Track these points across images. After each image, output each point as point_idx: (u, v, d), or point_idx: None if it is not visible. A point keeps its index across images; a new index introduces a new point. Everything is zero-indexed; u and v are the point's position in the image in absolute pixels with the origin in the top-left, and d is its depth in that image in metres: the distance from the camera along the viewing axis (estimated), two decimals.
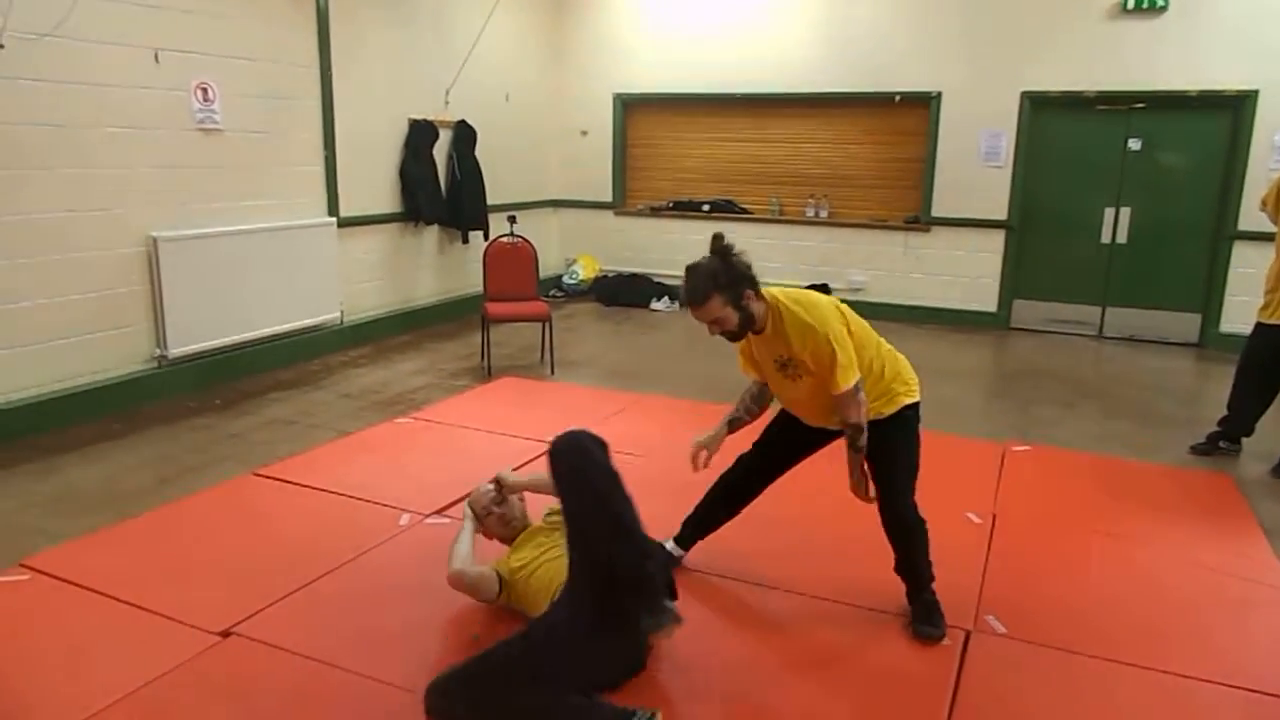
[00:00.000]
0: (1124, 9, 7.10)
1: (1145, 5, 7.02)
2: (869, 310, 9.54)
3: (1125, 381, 6.31)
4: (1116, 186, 7.51)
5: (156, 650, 2.65)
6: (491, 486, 3.02)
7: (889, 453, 2.86)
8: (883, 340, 2.96)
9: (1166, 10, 6.98)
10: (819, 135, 8.47)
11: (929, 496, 3.92)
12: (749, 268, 2.75)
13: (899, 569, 2.93)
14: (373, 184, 6.96)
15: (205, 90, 5.43)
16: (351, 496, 3.80)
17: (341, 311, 6.62)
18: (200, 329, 5.48)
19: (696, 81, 8.62)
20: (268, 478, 4.02)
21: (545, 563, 2.78)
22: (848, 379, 2.65)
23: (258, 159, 5.87)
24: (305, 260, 6.21)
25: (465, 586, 2.86)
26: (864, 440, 2.74)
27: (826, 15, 8.06)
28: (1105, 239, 7.59)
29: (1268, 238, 7.11)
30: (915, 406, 2.90)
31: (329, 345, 6.52)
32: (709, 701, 2.47)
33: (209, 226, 5.50)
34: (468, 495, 3.14)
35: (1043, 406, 5.56)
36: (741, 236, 8.84)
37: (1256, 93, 6.89)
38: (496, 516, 3.02)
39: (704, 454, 3.01)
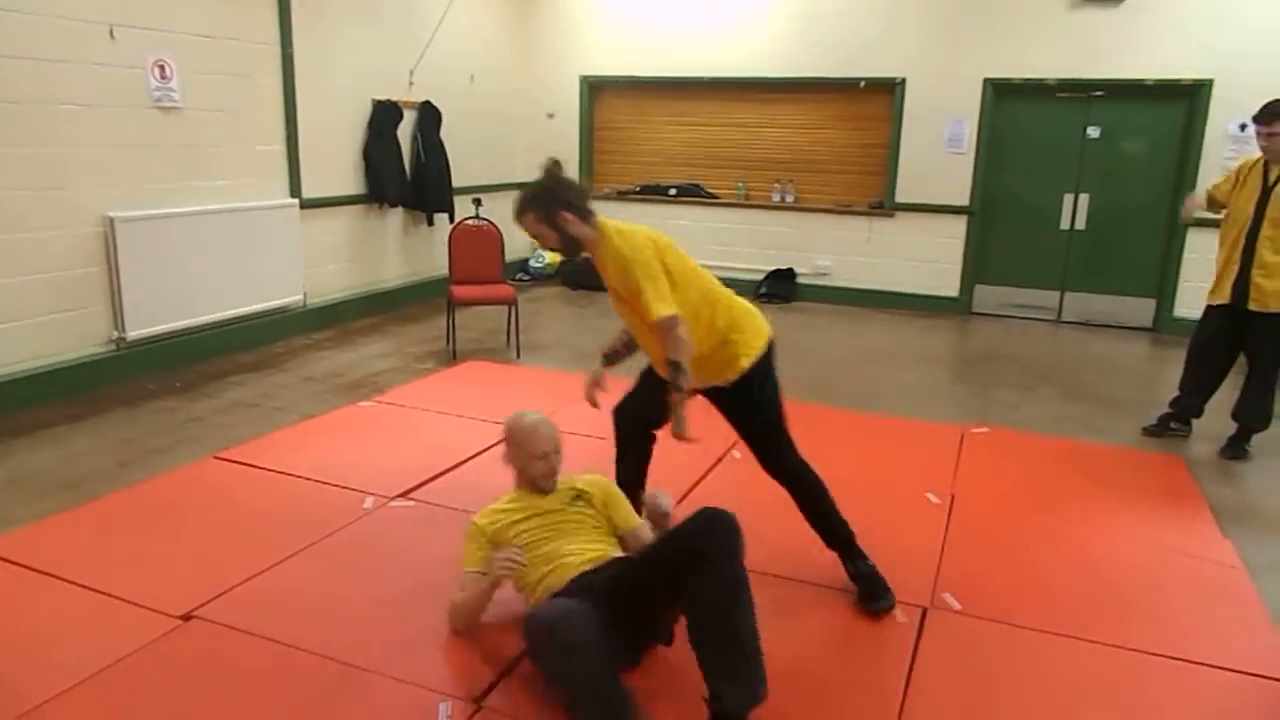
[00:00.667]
0: None
1: None
2: (834, 295, 9.54)
3: (1082, 365, 6.44)
4: (1076, 173, 7.63)
5: (116, 635, 2.63)
6: (519, 557, 2.54)
7: (745, 420, 2.94)
8: (723, 289, 2.93)
9: (1125, 1, 7.09)
10: (785, 120, 8.50)
11: (891, 478, 4.02)
12: (577, 194, 2.83)
13: (821, 533, 3.00)
14: (336, 165, 6.87)
15: (163, 68, 5.32)
16: (314, 480, 3.78)
17: (304, 294, 6.55)
18: (159, 311, 5.39)
19: (664, 65, 8.60)
20: (229, 461, 3.99)
21: (560, 566, 2.57)
22: (658, 310, 2.59)
23: (217, 139, 5.77)
24: (267, 242, 6.13)
25: (463, 615, 2.65)
26: (684, 381, 2.65)
27: (793, 1, 8.08)
28: (1064, 225, 7.72)
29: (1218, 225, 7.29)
30: (761, 363, 2.87)
31: (292, 328, 6.45)
32: (658, 678, 2.48)
33: (167, 207, 5.41)
34: (436, 475, 3.12)
35: (1002, 390, 5.67)
36: (708, 221, 8.96)
37: (1211, 82, 7.03)
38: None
39: (595, 391, 3.09)
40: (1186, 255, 7.34)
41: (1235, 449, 4.58)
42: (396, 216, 7.55)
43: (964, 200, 7.84)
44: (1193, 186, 7.20)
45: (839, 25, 7.95)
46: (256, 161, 6.11)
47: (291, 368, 5.72)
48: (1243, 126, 7.01)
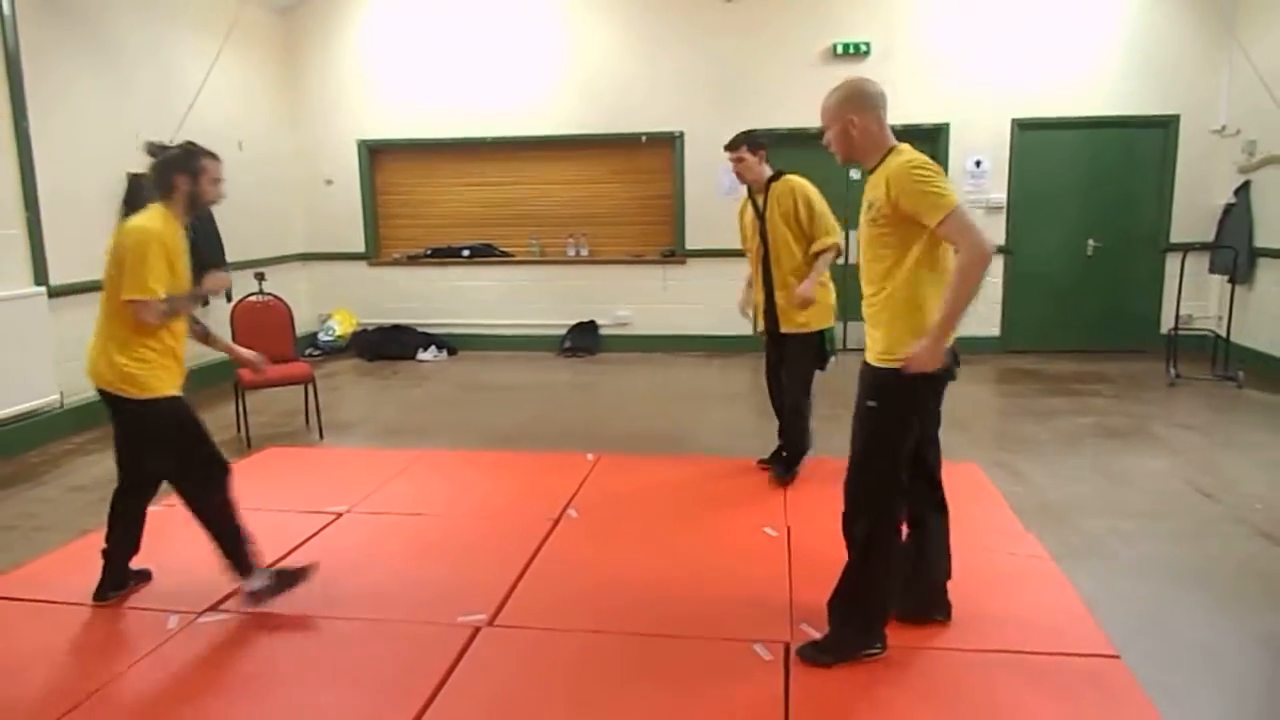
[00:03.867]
0: (834, 54, 7.88)
1: (851, 51, 7.84)
2: (637, 343, 9.72)
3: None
4: (843, 215, 8.22)
5: None
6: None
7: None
8: None
9: (869, 55, 7.84)
10: (572, 175, 8.63)
11: (725, 517, 4.08)
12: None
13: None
14: (89, 246, 6.12)
15: None
16: (102, 605, 3.29)
17: (60, 393, 5.79)
18: None
19: (445, 126, 8.50)
20: None
21: None
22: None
23: None
24: (9, 337, 5.39)
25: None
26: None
27: (567, 58, 8.28)
28: (840, 260, 8.28)
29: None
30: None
31: (49, 432, 5.68)
32: None
33: None
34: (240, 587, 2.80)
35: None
36: (505, 280, 8.88)
37: (948, 125, 7.88)
38: None
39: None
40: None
41: (785, 470, 4.54)
42: None
43: None
44: None
45: (614, 83, 8.21)
46: None
47: (51, 479, 5.01)
48: (978, 163, 7.91)
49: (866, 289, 2.79)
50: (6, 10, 5.43)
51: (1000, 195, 7.94)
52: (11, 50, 5.47)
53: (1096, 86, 7.64)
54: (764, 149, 4.39)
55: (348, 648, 3.05)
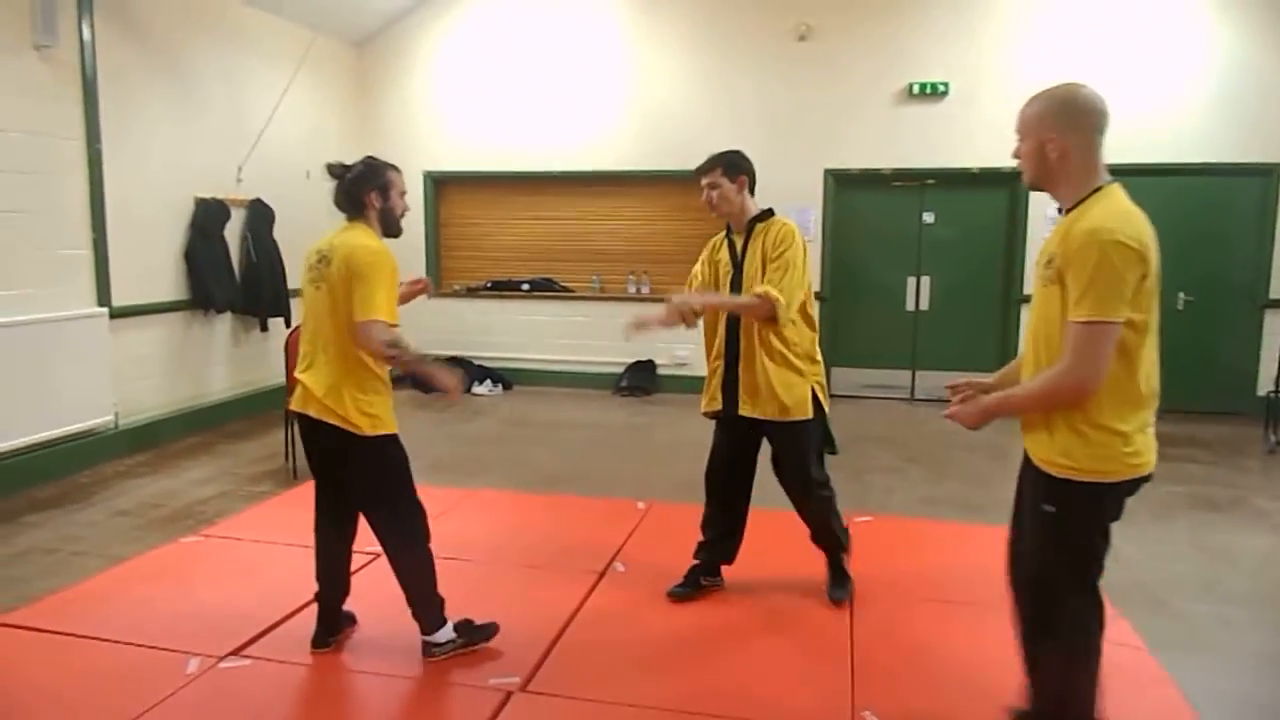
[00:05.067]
0: (910, 94, 7.62)
1: (929, 90, 7.57)
2: (695, 385, 9.40)
3: (942, 443, 6.53)
4: (916, 257, 7.95)
5: None
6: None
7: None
8: None
9: (948, 95, 7.55)
10: (634, 212, 8.49)
11: (786, 577, 3.79)
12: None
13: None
14: (153, 269, 6.22)
15: None
16: (123, 642, 3.15)
17: (116, 414, 5.80)
18: None
19: (509, 160, 8.46)
20: (15, 627, 3.28)
21: None
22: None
23: (11, 242, 5.08)
24: (70, 356, 5.40)
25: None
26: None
27: (633, 94, 8.17)
28: (910, 307, 7.98)
29: None
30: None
31: (101, 453, 5.66)
32: None
33: None
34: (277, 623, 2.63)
35: (874, 474, 5.61)
36: (564, 315, 8.75)
37: None
38: None
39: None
40: (1024, 330, 7.69)
41: (839, 587, 3.59)
42: (225, 323, 6.91)
43: (815, 285, 7.97)
44: (1022, 266, 7.64)
45: (680, 119, 8.06)
46: (57, 267, 5.42)
47: (99, 501, 4.96)
48: (1060, 210, 7.52)
49: (1030, 365, 2.25)
50: (87, 36, 5.53)
51: None
52: (89, 75, 5.55)
53: (1189, 132, 7.22)
54: (746, 177, 3.36)
55: (371, 707, 2.86)
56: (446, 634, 3.04)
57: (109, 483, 5.30)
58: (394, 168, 3.05)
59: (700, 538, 3.63)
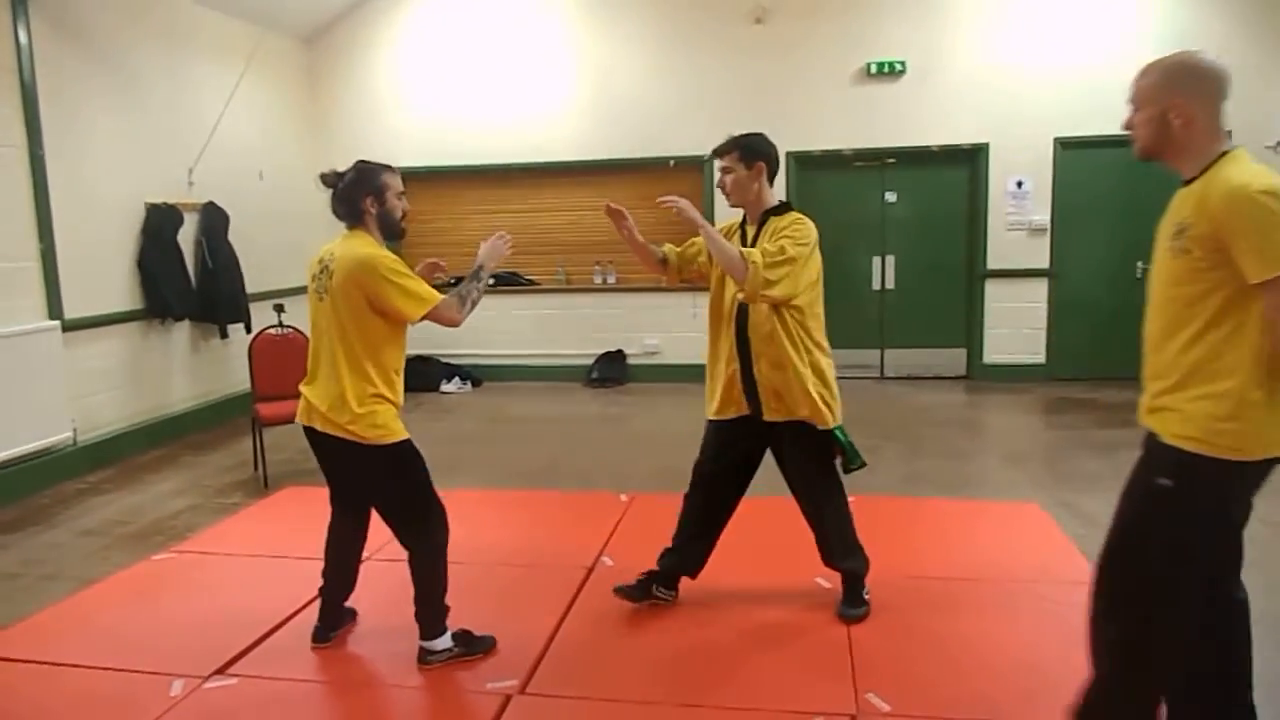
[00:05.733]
0: (868, 73, 7.63)
1: (886, 70, 7.59)
2: (666, 373, 9.40)
3: (915, 419, 6.59)
4: (880, 236, 7.98)
5: None
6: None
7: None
8: None
9: (905, 74, 7.58)
10: (599, 202, 8.33)
11: (774, 563, 3.78)
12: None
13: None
14: (105, 278, 6.02)
15: None
16: (100, 668, 3.02)
17: (74, 430, 5.61)
18: None
19: (469, 153, 8.33)
20: None
21: None
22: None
23: None
24: (22, 373, 5.20)
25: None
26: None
27: (592, 81, 8.09)
28: (876, 286, 8.02)
29: (1016, 274, 7.79)
30: None
31: (61, 471, 5.47)
32: None
33: None
34: (260, 639, 2.54)
35: None
36: (531, 309, 8.65)
37: (987, 145, 7.59)
38: None
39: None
40: (989, 305, 7.79)
41: (851, 606, 3.28)
42: (183, 331, 6.72)
43: None
44: (984, 241, 7.71)
45: (639, 107, 8.01)
46: (5, 280, 5.21)
47: (62, 521, 4.79)
48: (1019, 184, 7.61)
49: (1158, 339, 2.10)
50: (23, 39, 5.31)
51: (1043, 217, 7.62)
52: (27, 79, 5.33)
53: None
54: (764, 164, 3.15)
55: (368, 718, 2.78)
56: (444, 643, 2.98)
57: (71, 502, 5.12)
58: (388, 169, 2.96)
59: (670, 542, 3.38)
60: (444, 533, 2.99)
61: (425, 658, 2.96)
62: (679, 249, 3.52)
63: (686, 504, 3.41)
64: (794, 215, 3.18)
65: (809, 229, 3.12)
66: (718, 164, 3.23)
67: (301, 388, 2.96)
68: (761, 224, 3.17)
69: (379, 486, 2.96)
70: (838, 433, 3.18)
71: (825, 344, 3.24)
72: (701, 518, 3.37)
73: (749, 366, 3.14)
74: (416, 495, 2.96)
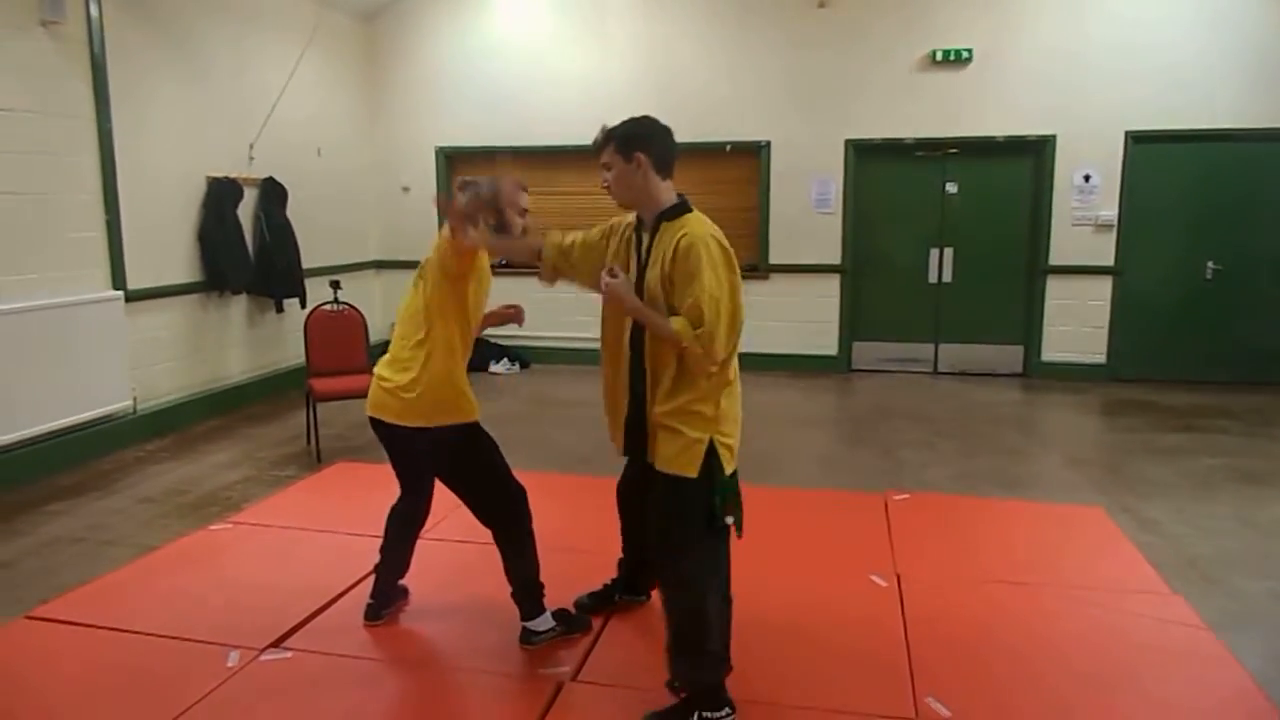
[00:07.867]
0: (933, 61, 7.45)
1: (952, 57, 7.39)
2: None
3: (971, 416, 6.44)
4: (938, 228, 7.81)
5: None
6: None
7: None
8: None
9: (971, 62, 7.38)
10: None
11: (827, 560, 3.72)
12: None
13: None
14: (167, 251, 6.12)
15: None
16: (160, 635, 3.07)
17: (134, 398, 5.72)
18: None
19: (522, 134, 8.30)
20: (46, 620, 3.21)
21: None
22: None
23: (20, 225, 4.97)
24: (86, 342, 5.31)
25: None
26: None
27: (650, 65, 8.00)
28: (932, 279, 7.86)
29: (1079, 270, 7.58)
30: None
31: (121, 439, 5.59)
32: None
33: None
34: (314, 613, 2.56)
35: (906, 450, 5.52)
36: (580, 291, 8.59)
37: (1054, 137, 7.37)
38: None
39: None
40: (1049, 302, 7.59)
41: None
42: (240, 304, 6.81)
43: (836, 259, 7.86)
44: (1048, 236, 7.51)
45: (698, 91, 7.90)
46: (70, 250, 5.31)
47: (123, 488, 4.89)
48: (1087, 178, 7.39)
49: None
50: (94, 12, 5.39)
51: (1110, 212, 7.39)
52: (98, 52, 5.41)
53: (1218, 97, 7.05)
54: (644, 154, 2.55)
55: (420, 699, 2.79)
56: (546, 622, 3.01)
57: (130, 469, 5.23)
58: (513, 181, 3.13)
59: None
60: (523, 516, 3.04)
61: (528, 638, 2.99)
62: (559, 242, 3.04)
63: (623, 523, 3.19)
64: (693, 229, 2.48)
65: (714, 248, 2.44)
66: (599, 161, 2.68)
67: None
68: (655, 228, 2.59)
69: (456, 469, 3.09)
70: (717, 485, 2.53)
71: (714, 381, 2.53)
72: (631, 545, 3.21)
73: (639, 398, 2.69)
74: (490, 476, 3.08)
